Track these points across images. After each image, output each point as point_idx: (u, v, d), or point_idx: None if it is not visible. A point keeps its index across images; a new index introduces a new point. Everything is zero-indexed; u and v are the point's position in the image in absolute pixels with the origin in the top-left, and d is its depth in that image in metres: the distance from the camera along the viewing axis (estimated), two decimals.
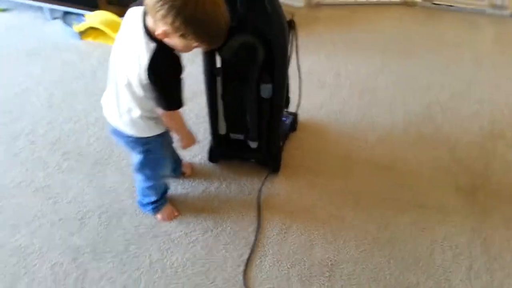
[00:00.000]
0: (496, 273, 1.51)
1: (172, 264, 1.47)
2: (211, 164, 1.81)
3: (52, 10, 2.59)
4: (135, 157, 1.43)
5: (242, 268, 1.47)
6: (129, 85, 1.19)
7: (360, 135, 1.99)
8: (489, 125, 2.08)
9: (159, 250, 1.51)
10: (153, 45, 1.10)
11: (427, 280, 1.48)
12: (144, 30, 1.11)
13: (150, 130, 1.31)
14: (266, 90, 1.47)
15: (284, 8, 1.38)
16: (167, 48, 1.12)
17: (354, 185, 1.76)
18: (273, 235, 1.58)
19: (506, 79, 2.35)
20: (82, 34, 2.43)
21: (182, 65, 1.17)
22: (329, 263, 1.50)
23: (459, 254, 1.56)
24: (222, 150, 1.76)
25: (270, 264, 1.49)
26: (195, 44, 1.11)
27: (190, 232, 1.57)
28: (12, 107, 2.05)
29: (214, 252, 1.52)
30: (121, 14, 2.36)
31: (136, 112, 1.25)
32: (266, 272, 1.47)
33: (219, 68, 1.45)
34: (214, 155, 1.78)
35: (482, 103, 2.21)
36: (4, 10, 2.69)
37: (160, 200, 1.57)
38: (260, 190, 1.71)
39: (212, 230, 1.58)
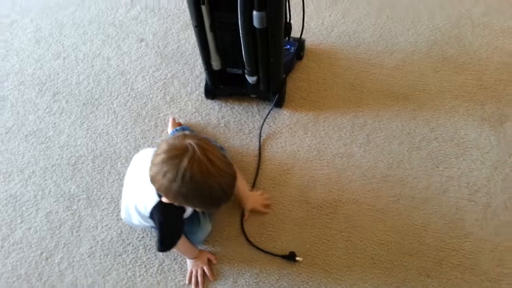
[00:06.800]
0: None
1: None
2: (208, 101, 1.67)
3: None
4: None
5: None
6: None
7: (375, 60, 1.77)
8: None
9: None
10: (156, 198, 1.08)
11: (438, 220, 1.38)
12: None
13: None
14: (259, 18, 1.26)
15: None
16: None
17: (365, 119, 1.60)
18: (274, 176, 1.48)
19: None
20: None
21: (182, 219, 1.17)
22: (333, 204, 1.41)
23: (476, 192, 1.43)
24: (219, 86, 1.60)
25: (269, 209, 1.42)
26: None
27: None
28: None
29: None
30: None
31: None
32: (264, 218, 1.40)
33: None
34: (210, 91, 1.64)
35: None
36: None
37: None
38: (261, 129, 1.58)
39: None
